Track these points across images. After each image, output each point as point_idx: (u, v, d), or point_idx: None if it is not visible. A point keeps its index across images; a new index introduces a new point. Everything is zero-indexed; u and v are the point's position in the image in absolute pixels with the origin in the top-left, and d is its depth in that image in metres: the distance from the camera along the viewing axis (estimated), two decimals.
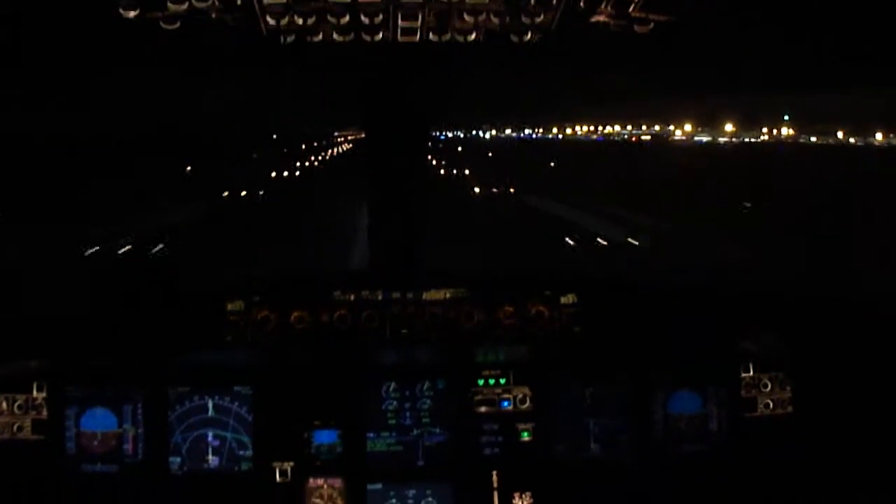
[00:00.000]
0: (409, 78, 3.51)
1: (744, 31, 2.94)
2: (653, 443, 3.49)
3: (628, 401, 3.50)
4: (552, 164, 52.42)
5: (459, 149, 68.98)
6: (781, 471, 3.43)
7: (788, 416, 3.55)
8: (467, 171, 48.09)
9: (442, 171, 50.06)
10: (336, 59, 3.13)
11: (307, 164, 56.48)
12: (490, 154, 67.97)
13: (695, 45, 3.00)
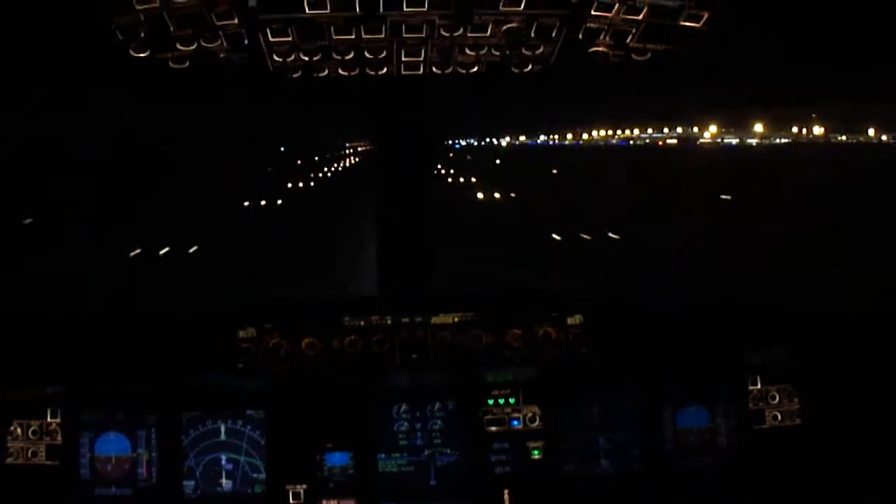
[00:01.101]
0: (414, 106, 3.55)
1: (742, 53, 2.96)
2: (662, 457, 3.51)
3: (637, 416, 3.52)
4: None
5: (497, 161, 57.04)
6: (790, 483, 3.43)
7: (797, 427, 3.56)
8: None
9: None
10: (341, 92, 3.19)
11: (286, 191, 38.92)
12: (552, 171, 46.45)
13: (694, 70, 3.02)
